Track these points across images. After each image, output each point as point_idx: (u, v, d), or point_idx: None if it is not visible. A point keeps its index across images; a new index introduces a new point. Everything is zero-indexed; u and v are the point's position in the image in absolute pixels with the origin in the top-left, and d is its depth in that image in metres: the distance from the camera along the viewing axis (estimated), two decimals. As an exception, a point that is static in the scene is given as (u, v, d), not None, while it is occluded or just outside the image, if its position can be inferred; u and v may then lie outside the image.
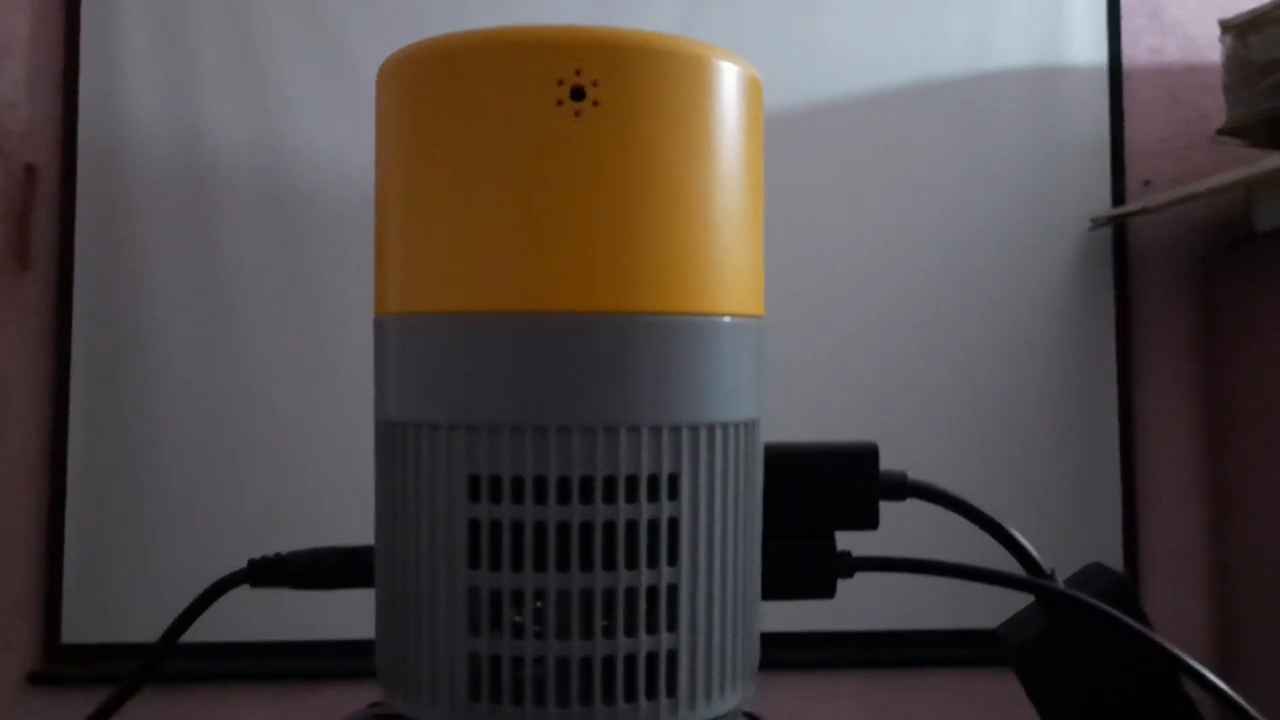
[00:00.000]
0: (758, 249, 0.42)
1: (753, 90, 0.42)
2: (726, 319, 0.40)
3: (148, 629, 1.79)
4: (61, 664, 1.96)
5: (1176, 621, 2.12)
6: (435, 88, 0.39)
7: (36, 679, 1.96)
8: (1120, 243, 2.18)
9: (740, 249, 0.41)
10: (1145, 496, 2.15)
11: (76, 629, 1.96)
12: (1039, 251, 2.14)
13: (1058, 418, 2.12)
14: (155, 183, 2.01)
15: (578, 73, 0.38)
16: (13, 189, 2.01)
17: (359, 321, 1.86)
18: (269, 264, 2.02)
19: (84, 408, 1.99)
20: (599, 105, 0.38)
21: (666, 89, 0.39)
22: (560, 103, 0.38)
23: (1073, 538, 2.05)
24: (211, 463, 1.99)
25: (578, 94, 0.38)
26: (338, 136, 2.02)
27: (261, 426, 2.00)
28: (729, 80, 0.40)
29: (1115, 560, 2.10)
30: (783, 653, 2.00)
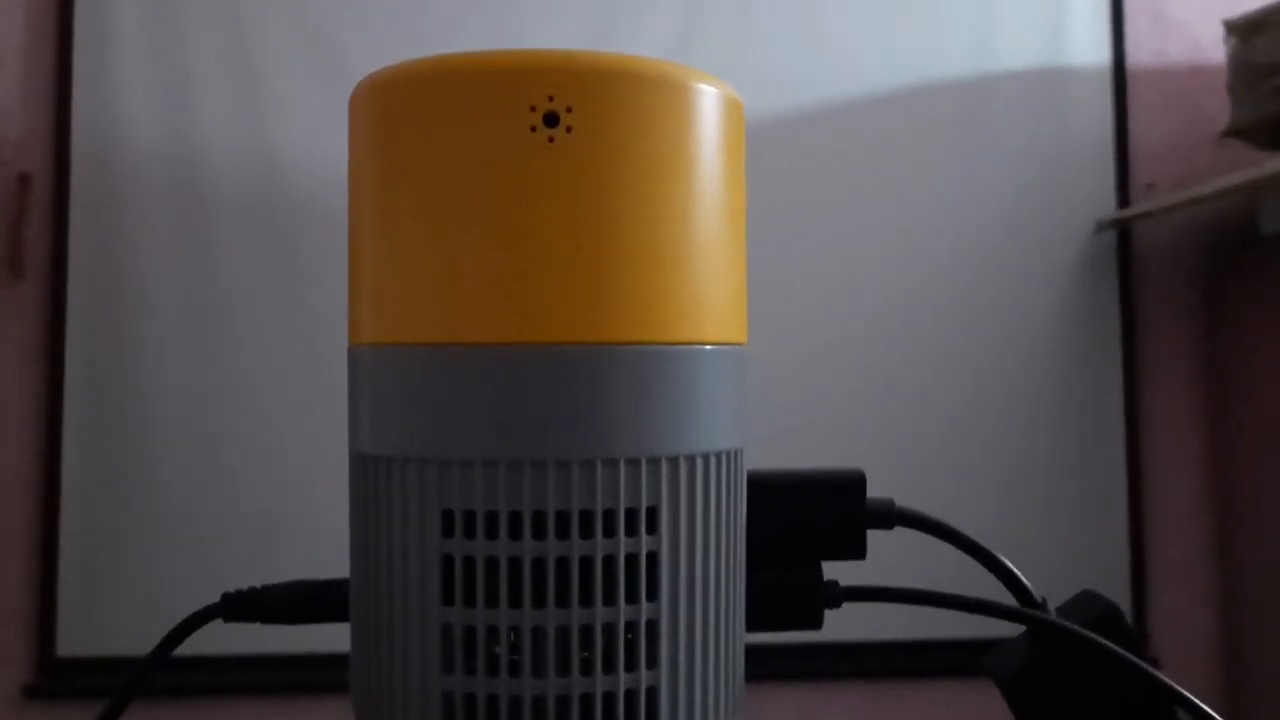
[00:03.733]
0: (739, 275, 0.41)
1: (732, 113, 0.41)
2: (707, 348, 0.39)
3: (143, 642, 1.80)
4: (56, 677, 1.95)
5: (1183, 630, 2.11)
6: (406, 113, 0.38)
7: (31, 692, 1.95)
8: (1125, 246, 2.17)
9: (720, 276, 0.40)
10: (1151, 503, 2.14)
11: (71, 642, 1.95)
12: (1042, 255, 2.13)
13: (1063, 422, 2.11)
14: (149, 191, 2.01)
15: (550, 98, 0.37)
16: (6, 198, 2.00)
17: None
18: (264, 272, 2.01)
19: (78, 418, 1.98)
20: (572, 131, 0.37)
21: (642, 114, 0.38)
22: (533, 129, 0.37)
23: (1078, 543, 2.04)
24: (207, 474, 1.99)
25: (551, 120, 0.37)
26: (333, 142, 2.02)
27: (257, 436, 2.00)
28: (708, 104, 0.39)
29: (1121, 568, 2.08)
30: (780, 663, 2.00)
